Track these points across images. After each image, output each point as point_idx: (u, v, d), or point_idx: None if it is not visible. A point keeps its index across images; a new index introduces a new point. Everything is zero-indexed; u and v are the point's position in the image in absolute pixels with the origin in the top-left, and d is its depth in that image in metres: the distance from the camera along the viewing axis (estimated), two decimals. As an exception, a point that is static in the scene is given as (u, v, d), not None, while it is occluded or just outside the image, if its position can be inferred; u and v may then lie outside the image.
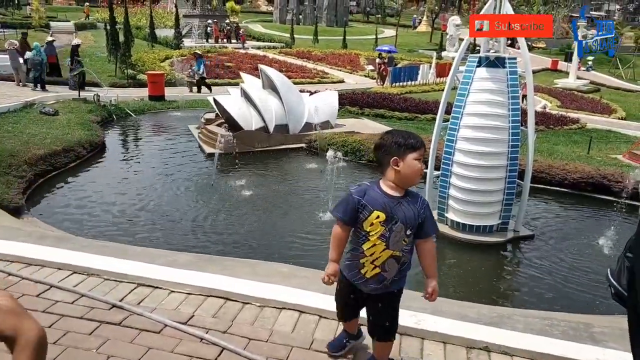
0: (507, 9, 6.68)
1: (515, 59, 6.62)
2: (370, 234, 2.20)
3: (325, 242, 6.26)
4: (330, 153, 8.09)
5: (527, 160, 6.66)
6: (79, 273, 3.41)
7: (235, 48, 32.00)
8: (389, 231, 2.18)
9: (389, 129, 12.67)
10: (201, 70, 18.21)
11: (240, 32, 34.15)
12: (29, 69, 16.12)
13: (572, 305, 4.81)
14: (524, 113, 6.63)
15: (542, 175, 8.49)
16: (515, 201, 6.68)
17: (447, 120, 6.83)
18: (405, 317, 2.96)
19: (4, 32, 29.30)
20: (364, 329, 2.64)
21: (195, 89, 18.36)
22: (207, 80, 18.72)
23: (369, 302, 2.39)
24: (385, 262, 2.22)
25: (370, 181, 2.32)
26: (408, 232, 2.19)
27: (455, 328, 2.95)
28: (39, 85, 15.62)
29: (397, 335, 2.85)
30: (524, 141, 6.67)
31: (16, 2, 47.92)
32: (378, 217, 2.18)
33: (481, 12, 6.83)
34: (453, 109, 6.71)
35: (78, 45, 16.94)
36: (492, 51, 6.76)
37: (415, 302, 3.29)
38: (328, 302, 2.96)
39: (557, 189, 8.47)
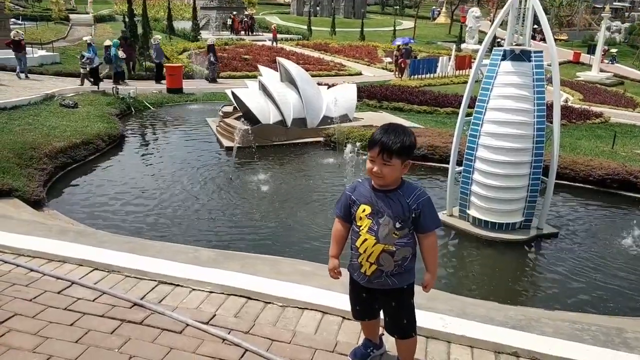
0: (534, 1, 6.48)
1: (541, 52, 6.41)
2: (361, 229, 2.24)
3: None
4: (349, 147, 7.98)
5: (552, 156, 6.47)
6: (100, 270, 3.39)
7: (254, 40, 31.92)
8: (376, 224, 2.19)
9: (409, 122, 12.55)
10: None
11: (272, 26, 33.97)
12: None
13: (600, 308, 4.66)
14: (549, 108, 6.44)
15: (565, 172, 8.27)
16: (539, 198, 6.51)
17: (470, 115, 6.68)
18: (432, 320, 2.88)
19: (24, 24, 29.67)
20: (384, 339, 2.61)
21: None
22: (220, 73, 18.60)
23: (382, 300, 2.38)
24: (379, 257, 2.22)
25: (365, 177, 2.35)
26: (397, 225, 2.18)
27: (482, 332, 2.85)
28: (119, 79, 16.38)
29: (423, 339, 2.79)
30: (549, 137, 6.48)
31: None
32: (364, 210, 2.22)
33: (507, 3, 6.63)
34: (476, 103, 6.55)
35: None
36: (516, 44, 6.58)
37: (440, 303, 3.21)
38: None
39: (582, 185, 8.25)
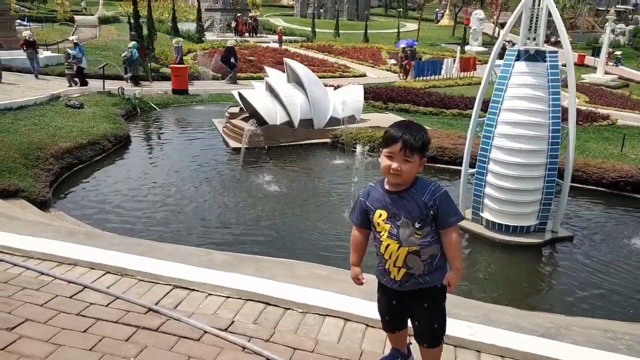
0: (548, 0, 6.37)
1: (556, 52, 6.31)
2: (381, 234, 2.16)
3: (347, 240, 6.09)
4: (358, 149, 7.88)
5: (567, 158, 6.35)
6: (113, 273, 3.29)
7: (258, 42, 31.86)
8: (395, 228, 2.12)
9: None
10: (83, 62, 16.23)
11: (278, 29, 33.88)
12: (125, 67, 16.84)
13: (624, 314, 4.54)
14: (564, 110, 6.33)
15: (578, 174, 8.14)
16: (554, 201, 6.39)
17: (482, 116, 6.57)
18: (460, 328, 2.77)
19: (29, 25, 29.67)
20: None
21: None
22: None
23: (413, 305, 2.26)
24: (406, 260, 2.14)
25: (377, 180, 2.27)
26: (417, 225, 2.10)
27: (512, 340, 2.74)
28: (133, 80, 16.52)
29: (451, 348, 2.67)
30: (564, 138, 6.37)
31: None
32: (380, 215, 2.16)
33: (520, 4, 6.52)
34: (490, 104, 6.44)
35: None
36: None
37: (464, 309, 3.10)
38: (374, 309, 2.78)
39: (595, 188, 8.13)
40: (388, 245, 2.14)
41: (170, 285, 3.16)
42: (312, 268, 3.73)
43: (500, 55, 6.89)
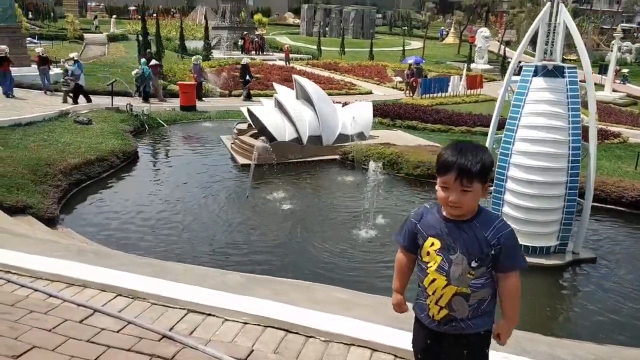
0: (565, 15, 6.29)
1: (575, 67, 6.20)
2: (429, 266, 1.90)
3: (366, 262, 5.90)
4: (371, 165, 7.73)
5: (588, 176, 6.19)
6: (124, 296, 3.13)
7: (264, 60, 32.06)
8: (447, 262, 1.85)
9: (425, 141, 12.31)
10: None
11: (285, 47, 34.16)
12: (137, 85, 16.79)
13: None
14: (584, 128, 6.19)
15: (595, 192, 7.86)
16: (575, 220, 6.20)
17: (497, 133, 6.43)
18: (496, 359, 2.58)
19: (39, 43, 30.00)
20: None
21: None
22: (232, 91, 18.78)
23: (451, 349, 2.00)
24: (452, 301, 1.87)
25: (434, 202, 1.99)
26: (473, 264, 1.82)
27: (553, 374, 2.55)
28: (145, 97, 16.48)
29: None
30: (584, 156, 6.21)
31: (52, 15, 49.36)
32: (432, 244, 1.88)
33: (536, 19, 6.44)
34: (507, 120, 6.31)
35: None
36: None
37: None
38: (402, 338, 2.61)
39: (613, 207, 7.92)
40: (434, 280, 1.88)
41: (184, 309, 2.99)
42: (331, 291, 3.56)
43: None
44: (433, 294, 1.90)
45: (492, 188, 6.40)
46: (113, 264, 3.69)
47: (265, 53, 36.55)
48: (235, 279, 3.62)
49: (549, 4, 6.40)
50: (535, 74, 6.18)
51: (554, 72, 6.09)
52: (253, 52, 35.53)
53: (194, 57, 20.75)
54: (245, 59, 21.25)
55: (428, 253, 1.90)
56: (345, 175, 9.82)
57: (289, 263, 5.79)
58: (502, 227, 1.83)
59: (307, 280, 4.40)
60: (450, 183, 1.79)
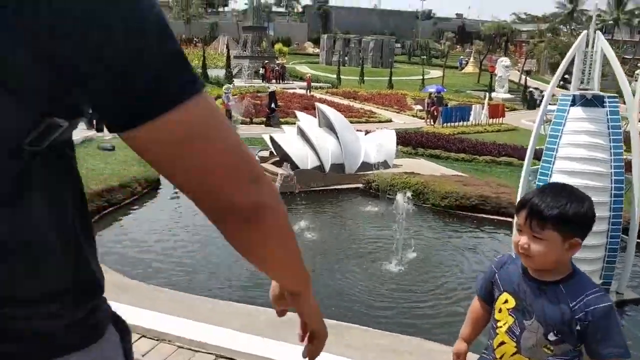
0: (602, 43, 6.09)
1: (615, 97, 5.95)
2: (499, 325, 1.64)
3: (395, 299, 5.60)
4: (399, 196, 7.48)
5: (633, 211, 5.84)
6: (149, 338, 2.92)
7: (284, 88, 32.46)
8: (519, 327, 1.57)
9: (450, 170, 12.05)
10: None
11: (307, 76, 34.68)
12: None
13: None
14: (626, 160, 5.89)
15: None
16: (619, 259, 5.84)
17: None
18: None
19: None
20: None
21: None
22: (253, 119, 18.88)
23: None
24: None
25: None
26: (551, 337, 1.53)
27: None
28: None
29: None
30: (627, 189, 5.89)
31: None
32: (506, 301, 1.63)
33: (573, 46, 6.25)
34: (544, 151, 6.04)
35: None
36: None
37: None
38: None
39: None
40: (503, 342, 1.61)
41: (213, 355, 2.76)
42: (368, 335, 3.29)
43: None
44: (500, 358, 1.63)
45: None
46: (136, 299, 3.50)
47: (285, 81, 37.08)
48: (264, 318, 3.38)
49: (585, 31, 6.23)
50: (573, 103, 5.95)
51: (594, 102, 5.84)
52: (274, 81, 36.04)
53: (224, 87, 21.24)
54: (273, 87, 21.52)
55: (500, 310, 1.64)
56: (369, 205, 9.59)
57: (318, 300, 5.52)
58: (596, 300, 1.50)
59: (335, 317, 4.14)
60: (522, 224, 1.56)
